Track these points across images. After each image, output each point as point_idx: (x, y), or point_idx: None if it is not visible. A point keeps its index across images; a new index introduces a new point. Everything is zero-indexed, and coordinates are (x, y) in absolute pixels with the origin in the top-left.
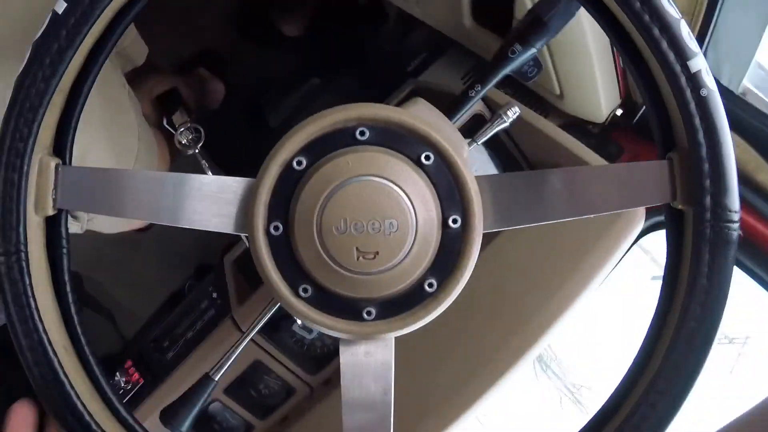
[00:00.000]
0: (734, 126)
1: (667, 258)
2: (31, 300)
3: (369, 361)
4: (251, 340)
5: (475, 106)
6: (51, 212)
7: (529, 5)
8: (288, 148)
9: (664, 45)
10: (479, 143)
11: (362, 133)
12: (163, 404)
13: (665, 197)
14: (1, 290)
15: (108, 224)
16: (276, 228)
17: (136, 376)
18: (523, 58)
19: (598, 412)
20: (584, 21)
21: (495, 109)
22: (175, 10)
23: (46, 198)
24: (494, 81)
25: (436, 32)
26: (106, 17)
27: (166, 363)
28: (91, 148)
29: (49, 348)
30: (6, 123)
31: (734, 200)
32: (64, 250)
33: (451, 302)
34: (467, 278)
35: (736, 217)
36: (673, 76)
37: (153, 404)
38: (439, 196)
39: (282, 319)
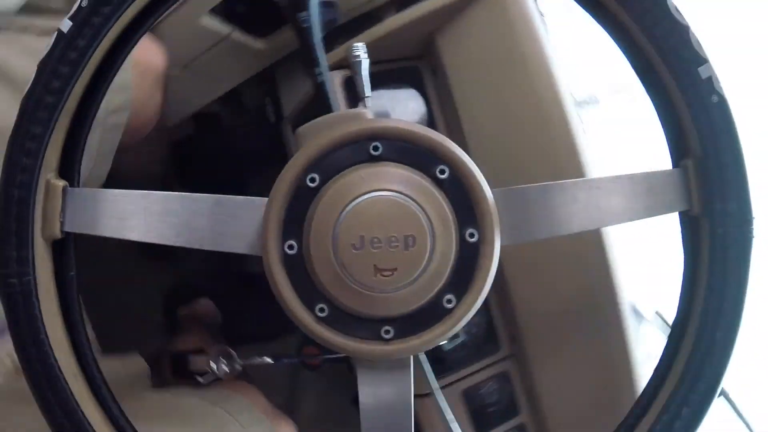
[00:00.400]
0: None
1: (684, 264)
2: (40, 325)
3: (388, 381)
4: None
5: (336, 78)
6: (59, 236)
7: None
8: (299, 165)
9: (676, 53)
10: (368, 94)
11: (375, 148)
12: None
13: (682, 205)
14: (8, 313)
15: None
16: (291, 247)
17: None
18: (314, 17)
19: (628, 415)
20: None
21: (347, 63)
22: None
23: (53, 221)
24: (320, 52)
25: None
26: (114, 34)
27: None
28: None
29: (60, 375)
30: (11, 145)
31: (748, 204)
32: (72, 274)
33: (470, 317)
34: (486, 292)
35: (751, 219)
36: (685, 82)
37: None
38: (455, 211)
39: None
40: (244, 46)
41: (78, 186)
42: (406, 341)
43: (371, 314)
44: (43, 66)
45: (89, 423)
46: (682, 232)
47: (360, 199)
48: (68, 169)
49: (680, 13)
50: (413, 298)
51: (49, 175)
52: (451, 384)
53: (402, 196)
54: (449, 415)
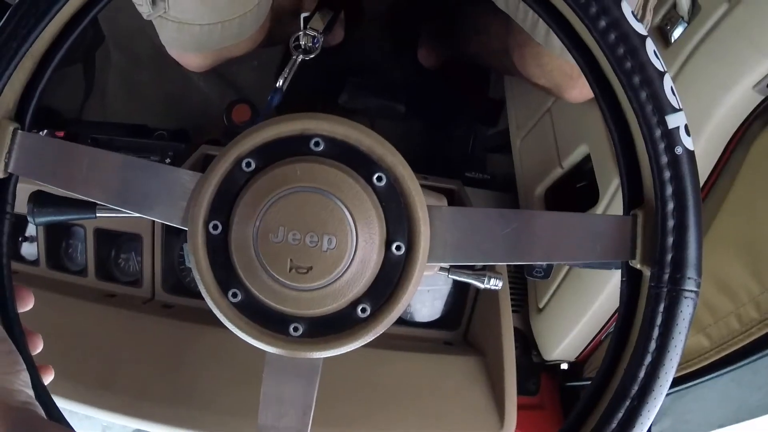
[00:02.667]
0: None
1: (619, 316)
2: None
3: (292, 379)
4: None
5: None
6: (1, 175)
7: None
8: (239, 149)
9: (643, 96)
10: (449, 277)
11: (317, 144)
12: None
13: (624, 254)
14: None
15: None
16: (215, 227)
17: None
18: None
19: None
20: None
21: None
22: None
23: None
24: None
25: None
26: None
27: None
28: None
29: None
30: None
31: (696, 267)
32: (8, 216)
33: (382, 331)
34: (402, 308)
35: (695, 285)
36: (648, 129)
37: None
38: (387, 220)
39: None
40: None
41: (28, 130)
42: (313, 342)
43: (281, 309)
44: (14, 8)
45: None
46: (621, 282)
47: (288, 191)
48: (22, 113)
49: (658, 58)
50: (326, 300)
51: (1, 115)
52: None
53: (331, 195)
54: None
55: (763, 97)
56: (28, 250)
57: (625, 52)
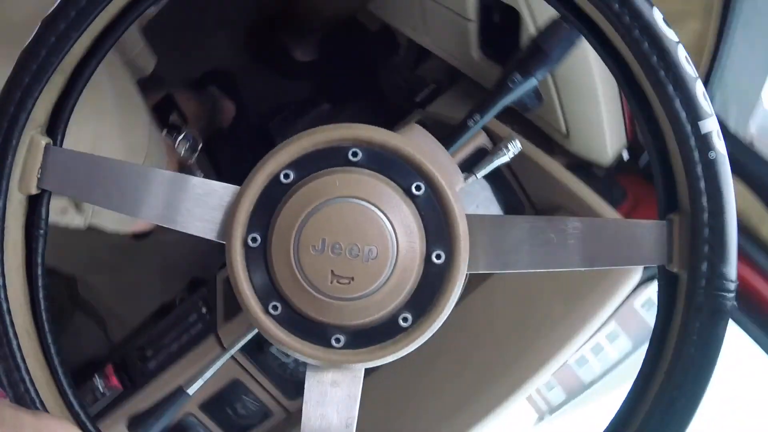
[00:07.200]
0: (739, 174)
1: (656, 319)
2: (0, 276)
3: (334, 391)
4: (233, 358)
5: (479, 140)
6: (34, 191)
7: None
8: (276, 160)
9: (678, 103)
10: (479, 177)
11: (355, 154)
12: (135, 413)
13: (661, 259)
14: None
15: (111, 221)
16: (254, 240)
17: (114, 381)
18: (523, 87)
19: None
20: (591, 59)
21: (496, 142)
22: (187, 29)
23: (31, 176)
24: (494, 111)
25: (446, 64)
26: (120, 2)
27: (146, 372)
28: (103, 136)
29: (10, 330)
30: (2, 97)
31: (732, 270)
32: (41, 232)
33: (425, 340)
34: (445, 317)
35: (732, 287)
36: (682, 134)
37: (126, 411)
38: (426, 229)
39: (266, 341)
40: None
41: (60, 146)
42: (355, 352)
43: (323, 320)
44: (46, 23)
45: (32, 381)
46: (659, 285)
47: (328, 203)
48: (54, 128)
49: (690, 63)
50: (368, 311)
51: (34, 130)
52: None
53: (371, 206)
54: None
55: None
56: None
57: (658, 59)
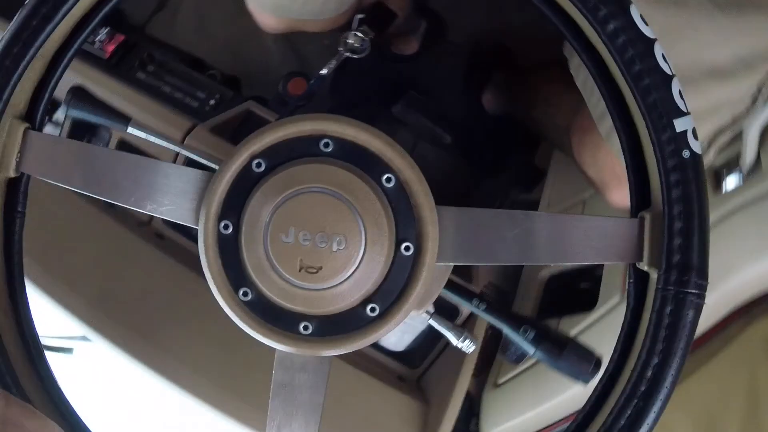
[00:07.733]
0: None
1: (626, 318)
2: None
3: (302, 376)
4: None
5: None
6: (13, 174)
7: None
8: (250, 149)
9: (652, 100)
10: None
11: (326, 145)
12: None
13: (632, 257)
14: None
15: None
16: (226, 227)
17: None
18: (523, 344)
19: None
20: None
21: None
22: None
23: (10, 160)
24: (494, 320)
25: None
26: None
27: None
28: None
29: None
30: None
31: (703, 270)
32: (19, 214)
33: (391, 330)
34: (411, 308)
35: (701, 288)
36: (656, 132)
37: None
38: (396, 221)
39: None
40: None
41: (40, 130)
42: (322, 341)
43: (291, 308)
44: (26, 7)
45: (9, 359)
46: (628, 284)
47: (298, 192)
48: (33, 113)
49: (667, 62)
50: (336, 300)
51: (14, 114)
52: None
53: (341, 196)
54: None
55: None
56: (49, 132)
57: (634, 56)
